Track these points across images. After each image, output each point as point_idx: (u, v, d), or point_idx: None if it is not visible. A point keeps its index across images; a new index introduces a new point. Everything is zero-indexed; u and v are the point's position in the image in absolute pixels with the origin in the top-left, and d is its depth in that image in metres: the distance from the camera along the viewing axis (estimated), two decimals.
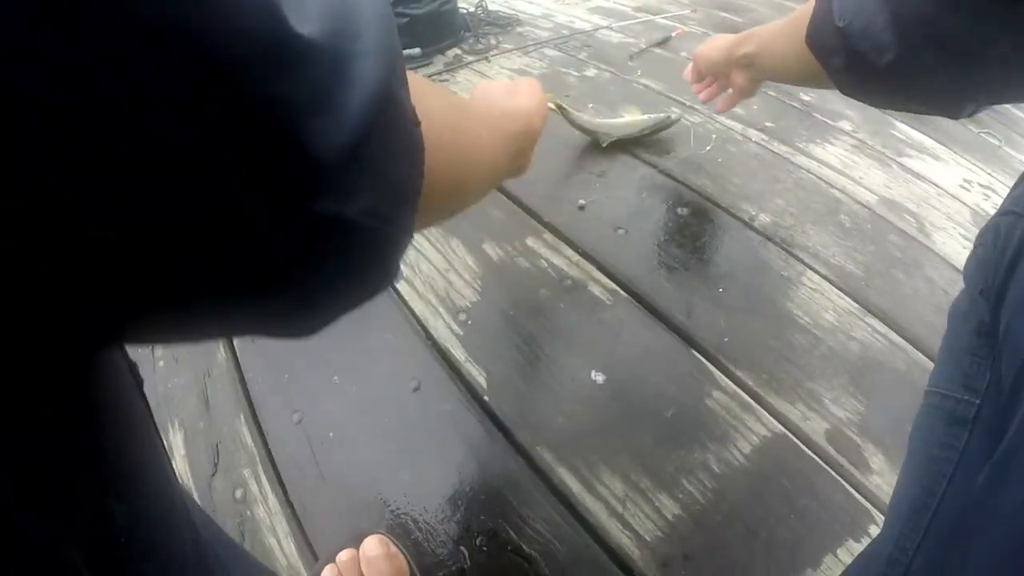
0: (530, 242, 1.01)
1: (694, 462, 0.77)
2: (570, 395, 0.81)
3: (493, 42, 1.82)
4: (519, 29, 1.95)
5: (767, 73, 0.83)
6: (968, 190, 1.41)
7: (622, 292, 0.94)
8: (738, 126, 1.39)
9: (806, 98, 1.60)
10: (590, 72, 1.60)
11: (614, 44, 1.81)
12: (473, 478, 0.75)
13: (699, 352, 0.88)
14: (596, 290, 0.94)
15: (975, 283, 0.47)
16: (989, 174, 1.52)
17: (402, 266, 0.95)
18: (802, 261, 1.05)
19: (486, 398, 0.80)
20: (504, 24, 1.97)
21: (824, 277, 1.04)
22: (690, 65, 1.02)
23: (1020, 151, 1.75)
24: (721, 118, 1.41)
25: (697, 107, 1.44)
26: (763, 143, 1.34)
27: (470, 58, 1.70)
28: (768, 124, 1.42)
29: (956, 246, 1.21)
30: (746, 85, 0.92)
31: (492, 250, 0.99)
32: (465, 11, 1.92)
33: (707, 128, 1.37)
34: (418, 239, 1.00)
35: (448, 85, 1.49)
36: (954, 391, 0.45)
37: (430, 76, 1.58)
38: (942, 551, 0.40)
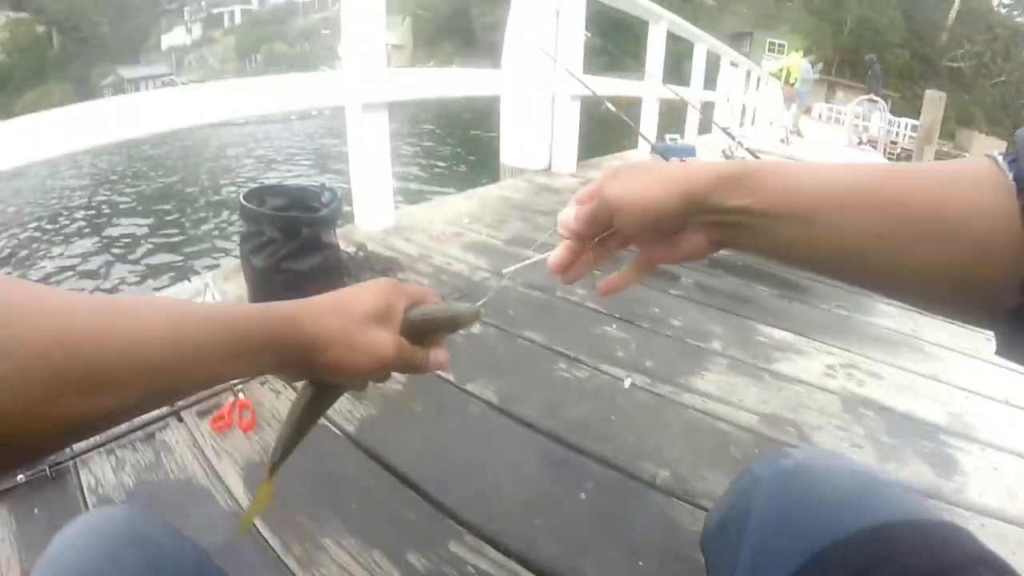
0: (453, 547, 1.05)
1: None
2: None
3: None
4: (400, 275, 2.09)
5: (767, 247, 0.45)
6: (833, 376, 1.58)
7: None
8: (620, 373, 1.54)
9: (676, 323, 1.79)
10: (475, 330, 1.74)
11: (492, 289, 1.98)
12: None
13: None
14: None
15: None
16: (847, 350, 1.72)
17: None
18: (705, 509, 1.14)
19: None
20: (383, 269, 2.10)
21: None
22: (569, 214, 0.52)
23: (867, 313, 1.98)
24: (605, 368, 1.55)
25: (582, 359, 1.59)
26: (647, 387, 1.48)
27: None
28: (648, 363, 1.58)
29: (834, 439, 1.34)
30: (695, 253, 0.49)
31: (417, 560, 1.02)
32: (345, 254, 2.03)
33: (594, 383, 1.50)
34: (341, 557, 1.02)
35: None
36: None
37: None
38: None
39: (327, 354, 0.48)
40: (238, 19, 51.94)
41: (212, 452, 1.24)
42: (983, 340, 1.77)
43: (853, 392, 1.52)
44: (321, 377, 0.51)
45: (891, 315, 1.97)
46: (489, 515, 1.11)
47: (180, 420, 1.31)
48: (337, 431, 1.32)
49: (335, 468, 1.23)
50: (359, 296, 0.52)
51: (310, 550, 1.04)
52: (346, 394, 1.40)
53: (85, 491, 1.16)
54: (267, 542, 1.05)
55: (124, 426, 1.26)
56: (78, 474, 1.19)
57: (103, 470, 1.20)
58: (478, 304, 0.60)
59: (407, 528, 1.09)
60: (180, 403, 1.34)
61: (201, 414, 1.33)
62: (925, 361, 1.67)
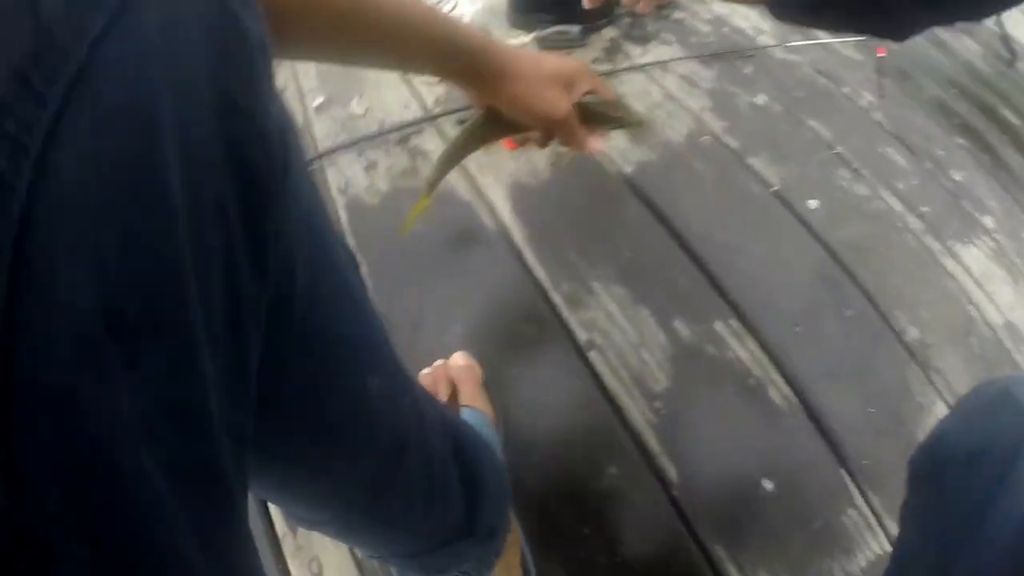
0: (718, 327, 1.09)
1: (824, 570, 0.93)
2: (747, 500, 0.95)
3: (651, 29, 1.72)
4: (676, 14, 1.85)
5: None
6: None
7: (796, 400, 1.05)
8: (899, 207, 1.44)
9: (957, 177, 1.64)
10: (759, 100, 1.59)
11: (777, 61, 1.77)
12: (647, 557, 0.90)
13: (845, 471, 1.01)
14: (775, 394, 1.04)
15: None
16: None
17: (594, 333, 1.03)
18: (935, 387, 1.16)
19: (675, 493, 0.93)
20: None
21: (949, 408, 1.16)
22: None
23: None
24: (885, 195, 1.46)
25: (864, 175, 1.48)
26: (918, 235, 1.41)
27: (629, 46, 1.65)
28: (924, 209, 1.47)
29: None
30: None
31: (683, 329, 1.06)
32: None
33: (872, 206, 1.42)
34: (609, 305, 1.07)
35: (617, 85, 1.48)
36: None
37: (592, 60, 1.55)
38: None
39: (511, 86, 0.59)
40: None
41: (475, 167, 1.17)
42: None
43: None
44: (499, 105, 0.62)
45: None
46: (757, 305, 1.12)
47: (437, 128, 1.21)
48: (613, 170, 1.25)
49: (609, 208, 1.19)
50: (554, 60, 0.63)
51: (578, 290, 1.04)
52: (623, 132, 1.31)
53: (333, 191, 1.13)
54: (534, 274, 1.04)
55: (375, 128, 1.19)
56: (324, 174, 1.15)
57: (352, 169, 1.16)
58: (646, 117, 0.75)
59: (678, 293, 1.09)
60: (438, 110, 1.25)
61: (461, 123, 1.25)
62: None
